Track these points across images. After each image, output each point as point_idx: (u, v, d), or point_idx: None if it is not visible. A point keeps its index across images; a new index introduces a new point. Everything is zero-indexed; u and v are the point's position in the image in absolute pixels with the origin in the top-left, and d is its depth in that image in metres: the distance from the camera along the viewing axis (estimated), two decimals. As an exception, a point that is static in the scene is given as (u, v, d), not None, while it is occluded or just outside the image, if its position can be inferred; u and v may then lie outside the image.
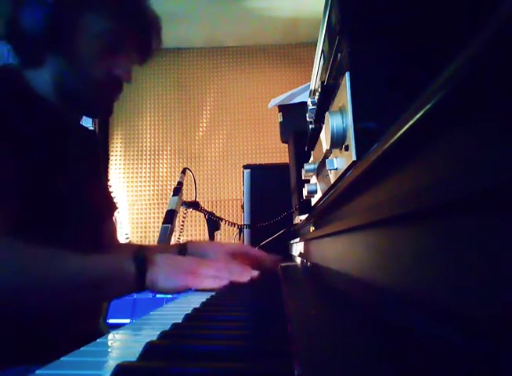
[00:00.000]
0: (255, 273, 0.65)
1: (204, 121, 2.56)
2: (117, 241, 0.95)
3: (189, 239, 2.40)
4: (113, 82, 0.72)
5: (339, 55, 0.49)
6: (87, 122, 2.36)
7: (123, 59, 0.71)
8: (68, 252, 0.54)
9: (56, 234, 0.63)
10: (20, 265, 0.51)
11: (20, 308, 0.52)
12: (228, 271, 0.63)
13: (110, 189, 0.96)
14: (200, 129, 2.55)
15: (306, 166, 0.73)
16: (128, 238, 2.38)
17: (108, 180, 2.46)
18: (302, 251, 0.80)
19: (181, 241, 1.62)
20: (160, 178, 2.52)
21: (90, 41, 0.67)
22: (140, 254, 0.59)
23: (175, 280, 0.59)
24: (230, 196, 2.47)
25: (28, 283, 0.51)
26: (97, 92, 0.70)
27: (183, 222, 1.41)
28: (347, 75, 0.42)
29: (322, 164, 0.58)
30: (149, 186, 2.52)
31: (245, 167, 1.53)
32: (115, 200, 0.95)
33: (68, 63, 0.68)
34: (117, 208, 0.94)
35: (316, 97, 0.62)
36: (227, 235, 2.24)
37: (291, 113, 1.40)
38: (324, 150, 0.58)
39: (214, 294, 0.60)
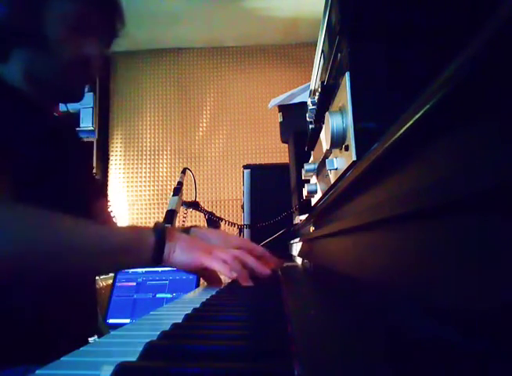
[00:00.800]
0: (267, 271, 0.65)
1: (204, 121, 2.56)
2: (113, 223, 0.94)
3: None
4: (83, 64, 0.71)
5: (339, 55, 0.49)
6: (87, 122, 2.37)
7: (89, 40, 0.71)
8: (88, 221, 0.56)
9: None
10: (38, 229, 0.51)
11: (40, 273, 0.52)
12: (242, 264, 0.63)
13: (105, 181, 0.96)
14: (200, 129, 2.55)
15: (306, 166, 0.73)
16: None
17: (105, 176, 2.46)
18: (302, 251, 0.80)
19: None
20: (160, 178, 2.52)
21: (58, 26, 0.67)
22: (160, 227, 0.61)
23: (191, 255, 0.61)
24: (230, 196, 2.47)
25: (46, 250, 0.51)
26: (68, 76, 0.70)
27: (183, 222, 1.41)
28: (347, 75, 0.42)
29: (322, 164, 0.58)
30: (149, 186, 2.52)
31: (245, 167, 1.53)
32: (103, 191, 0.94)
33: (38, 51, 0.67)
34: (105, 190, 0.94)
35: (316, 97, 0.62)
36: (227, 235, 2.24)
37: (291, 113, 1.40)
38: (324, 150, 0.58)
39: (214, 293, 0.60)
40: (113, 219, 0.97)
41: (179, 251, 0.61)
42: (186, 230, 0.81)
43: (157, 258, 0.59)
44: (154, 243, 0.59)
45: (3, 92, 0.65)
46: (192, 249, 0.62)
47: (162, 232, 0.60)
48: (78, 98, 0.79)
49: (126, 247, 0.58)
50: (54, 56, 0.68)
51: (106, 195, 0.95)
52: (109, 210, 0.95)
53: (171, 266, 0.62)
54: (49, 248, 0.51)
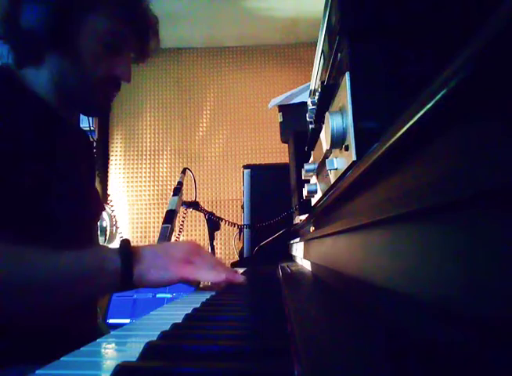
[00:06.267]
0: (242, 278, 0.61)
1: (204, 121, 2.56)
2: (98, 244, 0.94)
3: (189, 238, 2.40)
4: (112, 82, 0.72)
5: (339, 55, 0.49)
6: (86, 122, 2.36)
7: (123, 60, 0.72)
8: (43, 248, 0.50)
9: (47, 236, 0.62)
10: None
11: None
12: (223, 267, 0.60)
13: (108, 191, 0.97)
14: (200, 129, 2.55)
15: (306, 166, 0.73)
16: (122, 238, 2.37)
17: (105, 176, 2.46)
18: (302, 251, 0.80)
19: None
20: (160, 178, 2.52)
21: (92, 41, 0.67)
22: (125, 247, 0.54)
23: (168, 270, 0.54)
24: (230, 196, 2.47)
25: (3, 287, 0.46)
26: (96, 91, 0.70)
27: (183, 222, 1.41)
28: (347, 75, 0.42)
29: (322, 164, 0.58)
30: (149, 186, 2.51)
31: (245, 167, 1.53)
32: (109, 200, 0.95)
33: (68, 61, 0.68)
34: (104, 210, 0.93)
35: (316, 97, 0.62)
36: (227, 235, 2.24)
37: (291, 113, 1.40)
38: (324, 150, 0.58)
39: (214, 293, 0.59)
40: (98, 239, 0.95)
41: (153, 270, 0.54)
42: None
43: (126, 283, 0.53)
44: (120, 267, 0.52)
45: (22, 100, 0.65)
46: (168, 263, 0.55)
47: (128, 254, 0.53)
48: (104, 112, 0.79)
49: (88, 277, 0.52)
50: (84, 70, 0.68)
51: (104, 208, 0.93)
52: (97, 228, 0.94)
53: (146, 287, 0.55)
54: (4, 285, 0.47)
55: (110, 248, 0.55)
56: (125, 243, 0.55)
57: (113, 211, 1.38)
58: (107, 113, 0.79)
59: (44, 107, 0.68)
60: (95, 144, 0.92)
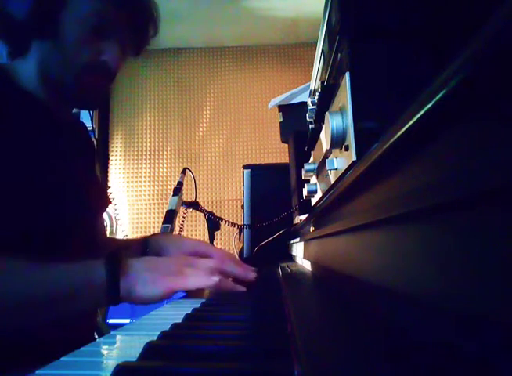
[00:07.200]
0: (252, 275, 0.61)
1: (204, 121, 2.56)
2: (105, 236, 0.92)
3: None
4: (100, 69, 0.67)
5: (339, 55, 0.49)
6: (87, 121, 2.36)
7: (111, 45, 0.67)
8: (29, 261, 0.49)
9: (50, 233, 0.62)
10: None
11: None
12: (221, 272, 0.58)
13: (108, 185, 0.95)
14: (200, 129, 2.55)
15: (306, 166, 0.73)
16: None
17: (105, 176, 2.45)
18: (302, 251, 0.80)
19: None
20: (160, 178, 2.52)
21: (76, 24, 0.63)
22: (113, 261, 0.52)
23: (156, 286, 0.52)
24: (230, 196, 2.47)
25: None
26: (82, 80, 0.66)
27: (183, 222, 1.41)
28: (347, 75, 0.42)
29: (322, 164, 0.58)
30: (149, 186, 2.51)
31: (245, 167, 1.53)
32: (110, 196, 0.92)
33: (53, 47, 0.63)
34: (110, 203, 0.91)
35: (316, 97, 0.62)
36: (227, 235, 2.24)
37: (291, 113, 1.40)
38: (324, 150, 0.58)
39: (214, 294, 0.59)
40: (105, 231, 0.94)
41: (140, 286, 0.51)
42: (145, 241, 0.77)
43: (113, 299, 0.50)
44: (106, 282, 0.50)
45: (10, 96, 0.63)
46: (157, 277, 0.53)
47: (114, 267, 0.51)
48: (94, 105, 0.74)
49: (74, 293, 0.50)
50: (70, 58, 0.64)
51: (110, 202, 0.91)
52: (103, 220, 0.93)
53: (135, 303, 0.53)
54: None
55: (98, 261, 0.52)
56: (112, 256, 0.53)
57: (116, 209, 1.38)
58: (99, 106, 0.75)
59: (32, 102, 0.66)
60: (95, 144, 0.90)
